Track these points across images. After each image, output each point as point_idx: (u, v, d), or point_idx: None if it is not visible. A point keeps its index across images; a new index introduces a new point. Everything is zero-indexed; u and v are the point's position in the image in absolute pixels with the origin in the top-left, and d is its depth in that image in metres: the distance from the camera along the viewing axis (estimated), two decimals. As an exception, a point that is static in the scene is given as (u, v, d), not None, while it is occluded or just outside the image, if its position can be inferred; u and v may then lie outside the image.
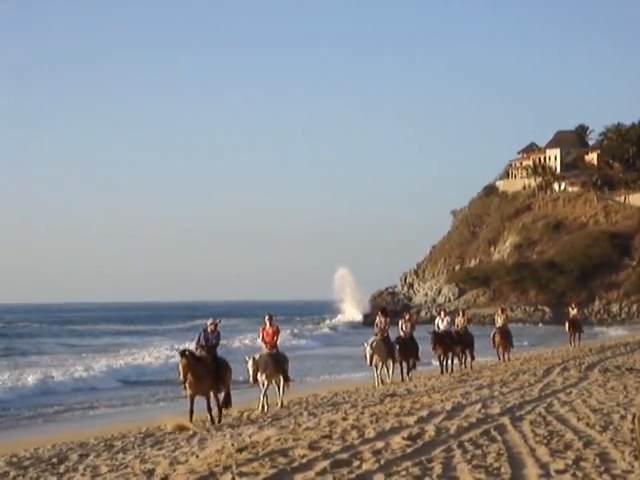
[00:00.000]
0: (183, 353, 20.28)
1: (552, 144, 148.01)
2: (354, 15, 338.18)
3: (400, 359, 30.47)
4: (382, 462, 12.07)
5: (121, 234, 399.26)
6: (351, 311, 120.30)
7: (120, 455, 16.47)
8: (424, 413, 17.19)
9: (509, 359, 36.88)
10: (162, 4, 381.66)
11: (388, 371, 29.91)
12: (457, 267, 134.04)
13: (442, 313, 34.78)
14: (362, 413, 18.66)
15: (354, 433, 14.84)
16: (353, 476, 11.28)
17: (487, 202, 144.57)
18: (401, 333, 30.90)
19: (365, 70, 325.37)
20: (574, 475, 11.00)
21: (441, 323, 33.60)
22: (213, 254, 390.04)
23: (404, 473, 11.35)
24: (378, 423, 16.19)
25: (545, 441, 13.37)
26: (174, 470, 13.02)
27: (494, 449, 12.81)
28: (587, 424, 14.99)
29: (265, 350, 22.68)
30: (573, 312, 47.28)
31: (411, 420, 16.11)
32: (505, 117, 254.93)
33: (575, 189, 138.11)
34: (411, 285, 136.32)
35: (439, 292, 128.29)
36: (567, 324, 46.26)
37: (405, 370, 30.66)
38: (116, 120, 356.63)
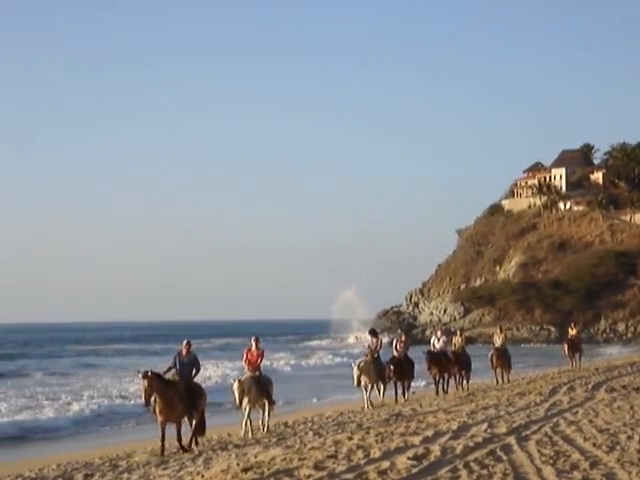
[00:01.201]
0: (145, 375, 18.95)
1: (557, 163, 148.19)
2: (358, 30, 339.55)
3: (395, 379, 29.77)
4: (388, 482, 12.04)
5: (127, 252, 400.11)
6: (360, 333, 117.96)
7: (125, 475, 16.45)
8: (430, 433, 17.15)
9: (508, 380, 36.11)
10: (160, 11, 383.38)
11: (379, 392, 28.99)
12: (462, 286, 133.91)
13: (439, 332, 34.12)
14: (367, 433, 18.61)
15: (360, 453, 14.80)
16: (359, 496, 11.25)
17: (492, 221, 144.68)
18: (395, 353, 30.15)
19: (372, 88, 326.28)
20: (581, 495, 10.97)
21: (437, 342, 32.79)
22: (221, 273, 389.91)
23: (410, 493, 11.32)
24: (383, 443, 16.15)
25: (551, 461, 13.33)
26: (179, 490, 12.99)
27: (500, 469, 12.77)
28: (594, 444, 14.93)
29: (248, 373, 21.92)
30: (572, 332, 46.44)
31: (416, 440, 16.07)
32: (510, 136, 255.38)
33: (580, 208, 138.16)
34: (416, 304, 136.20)
35: (444, 311, 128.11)
36: (566, 345, 45.28)
37: (400, 391, 29.95)
38: (116, 130, 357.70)
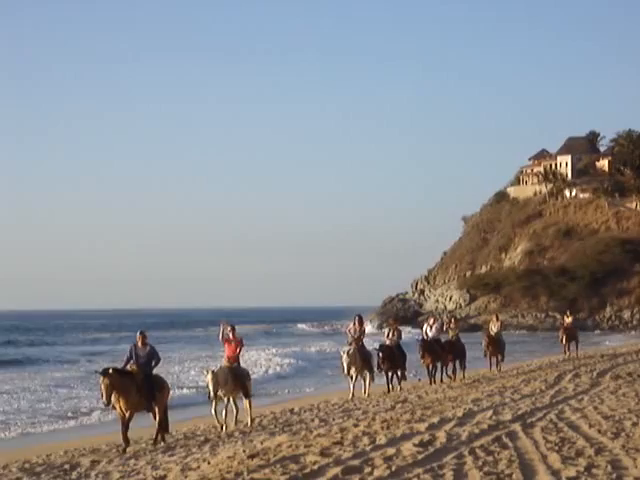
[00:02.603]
0: (105, 373, 18.25)
1: (563, 150, 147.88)
2: (361, 21, 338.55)
3: (386, 368, 28.70)
4: (393, 468, 12.08)
5: (131, 239, 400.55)
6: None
7: (132, 461, 16.50)
8: (435, 420, 17.19)
9: (499, 370, 35.09)
10: (162, 8, 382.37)
11: (365, 382, 27.73)
12: (468, 273, 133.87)
13: (431, 319, 33.02)
14: (373, 419, 18.66)
15: (365, 439, 14.84)
16: (364, 482, 11.30)
17: (498, 208, 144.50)
18: (387, 341, 29.18)
19: (380, 76, 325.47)
20: (586, 482, 11.00)
21: (430, 330, 31.72)
22: (224, 261, 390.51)
23: (415, 480, 11.36)
24: (389, 429, 16.19)
25: (557, 448, 13.36)
26: (185, 476, 13.06)
27: (505, 456, 12.80)
28: (599, 431, 14.96)
29: (225, 364, 21.08)
30: (568, 320, 45.26)
31: (422, 427, 16.11)
32: (516, 123, 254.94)
33: (586, 195, 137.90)
34: (422, 291, 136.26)
35: (450, 298, 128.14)
36: (562, 333, 43.91)
37: (392, 380, 28.95)
38: (121, 123, 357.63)
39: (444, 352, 31.98)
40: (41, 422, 27.41)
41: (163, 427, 19.30)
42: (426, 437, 14.67)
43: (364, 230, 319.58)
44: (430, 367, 31.46)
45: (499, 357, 36.08)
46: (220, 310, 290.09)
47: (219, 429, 20.42)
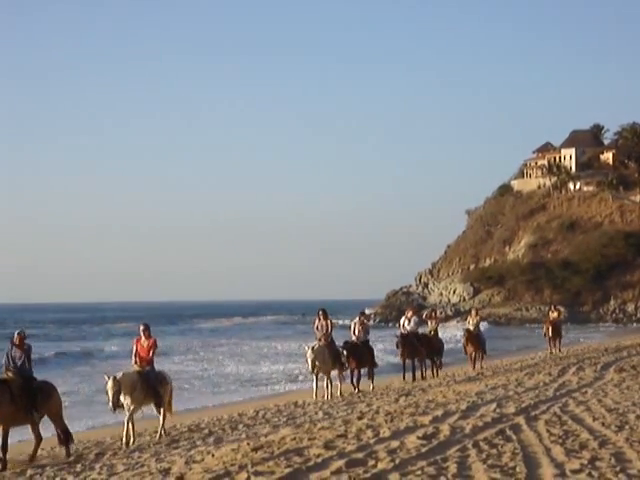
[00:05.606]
0: None
1: (567, 143, 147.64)
2: (362, 19, 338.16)
3: (352, 366, 26.79)
4: (397, 461, 12.08)
5: (122, 231, 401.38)
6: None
7: (136, 454, 16.53)
8: (439, 412, 17.19)
9: (481, 367, 33.58)
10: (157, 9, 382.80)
11: (331, 382, 25.94)
12: (472, 266, 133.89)
13: (409, 312, 31.12)
14: (377, 412, 18.67)
15: (369, 432, 14.85)
16: (368, 475, 11.29)
17: (502, 202, 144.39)
18: (353, 337, 27.39)
19: (381, 67, 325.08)
20: (590, 475, 10.98)
21: (407, 323, 30.16)
22: (221, 254, 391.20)
23: (419, 472, 11.34)
24: (393, 422, 16.20)
25: (560, 441, 13.35)
26: (190, 469, 13.06)
27: (509, 449, 12.80)
28: (602, 424, 14.95)
29: (135, 367, 18.74)
30: (553, 315, 43.68)
31: (426, 419, 16.12)
32: (520, 116, 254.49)
33: (590, 189, 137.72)
34: (426, 285, 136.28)
35: (454, 292, 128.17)
36: (548, 328, 42.10)
37: (356, 379, 27.05)
38: (120, 121, 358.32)
39: (423, 347, 30.56)
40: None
41: (67, 438, 17.48)
42: (430, 430, 14.67)
43: (368, 224, 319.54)
44: (406, 361, 30.10)
45: (479, 354, 34.35)
46: (235, 302, 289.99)
47: (125, 444, 18.20)
